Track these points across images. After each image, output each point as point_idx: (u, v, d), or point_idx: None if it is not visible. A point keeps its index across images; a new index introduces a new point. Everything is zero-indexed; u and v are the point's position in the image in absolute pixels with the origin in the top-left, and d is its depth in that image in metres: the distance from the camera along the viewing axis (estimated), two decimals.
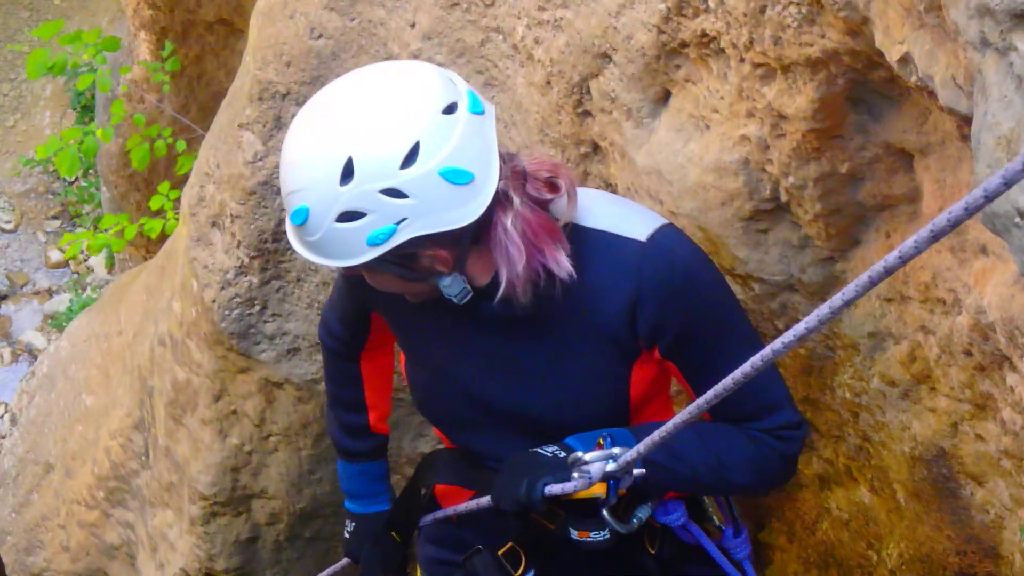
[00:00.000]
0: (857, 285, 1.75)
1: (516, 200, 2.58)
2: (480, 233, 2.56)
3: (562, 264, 2.55)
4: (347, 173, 2.35)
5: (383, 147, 2.37)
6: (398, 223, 2.41)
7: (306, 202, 2.41)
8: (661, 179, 3.92)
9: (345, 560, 3.86)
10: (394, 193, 2.36)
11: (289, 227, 2.55)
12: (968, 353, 3.52)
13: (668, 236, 2.74)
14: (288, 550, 5.67)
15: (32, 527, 6.54)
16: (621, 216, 2.74)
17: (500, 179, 2.53)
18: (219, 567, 5.74)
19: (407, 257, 2.54)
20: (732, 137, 3.77)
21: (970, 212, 1.54)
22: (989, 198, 1.54)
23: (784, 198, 3.80)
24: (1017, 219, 2.49)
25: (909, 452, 3.86)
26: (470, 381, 2.73)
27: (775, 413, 2.82)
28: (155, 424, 6.02)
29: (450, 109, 2.44)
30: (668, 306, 2.62)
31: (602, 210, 2.76)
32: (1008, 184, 1.46)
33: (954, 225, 1.60)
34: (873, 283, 1.75)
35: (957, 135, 3.24)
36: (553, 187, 2.70)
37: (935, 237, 1.62)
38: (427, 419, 2.97)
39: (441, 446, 2.98)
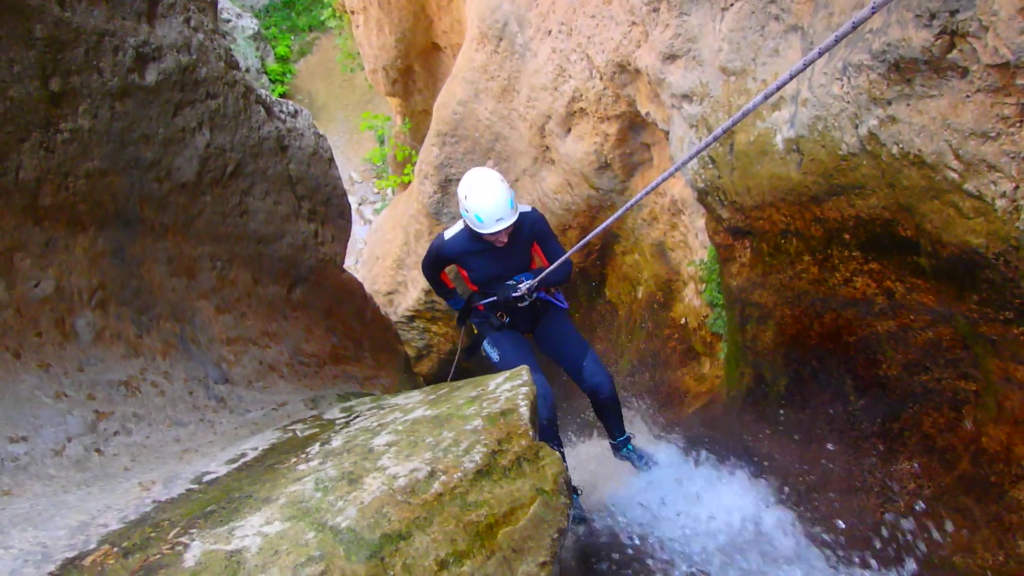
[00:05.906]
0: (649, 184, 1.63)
1: None
2: None
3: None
4: (510, 197, 2.47)
5: (511, 194, 2.50)
6: (519, 210, 2.52)
7: (509, 198, 2.48)
8: (569, 157, 3.84)
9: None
10: (513, 202, 2.49)
11: (500, 214, 2.45)
12: (670, 210, 3.55)
13: (535, 209, 2.72)
14: None
15: (373, 279, 6.56)
16: (524, 207, 2.66)
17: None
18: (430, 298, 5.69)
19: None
20: (592, 141, 3.69)
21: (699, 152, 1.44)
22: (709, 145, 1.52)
23: (608, 161, 3.73)
24: (695, 177, 2.42)
25: (650, 243, 3.85)
26: (494, 267, 2.69)
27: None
28: (409, 244, 6.00)
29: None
30: (539, 226, 2.65)
31: (524, 207, 2.67)
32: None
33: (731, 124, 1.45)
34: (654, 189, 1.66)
35: (665, 139, 3.18)
36: None
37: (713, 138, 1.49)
38: (475, 283, 2.75)
39: (470, 291, 2.86)
